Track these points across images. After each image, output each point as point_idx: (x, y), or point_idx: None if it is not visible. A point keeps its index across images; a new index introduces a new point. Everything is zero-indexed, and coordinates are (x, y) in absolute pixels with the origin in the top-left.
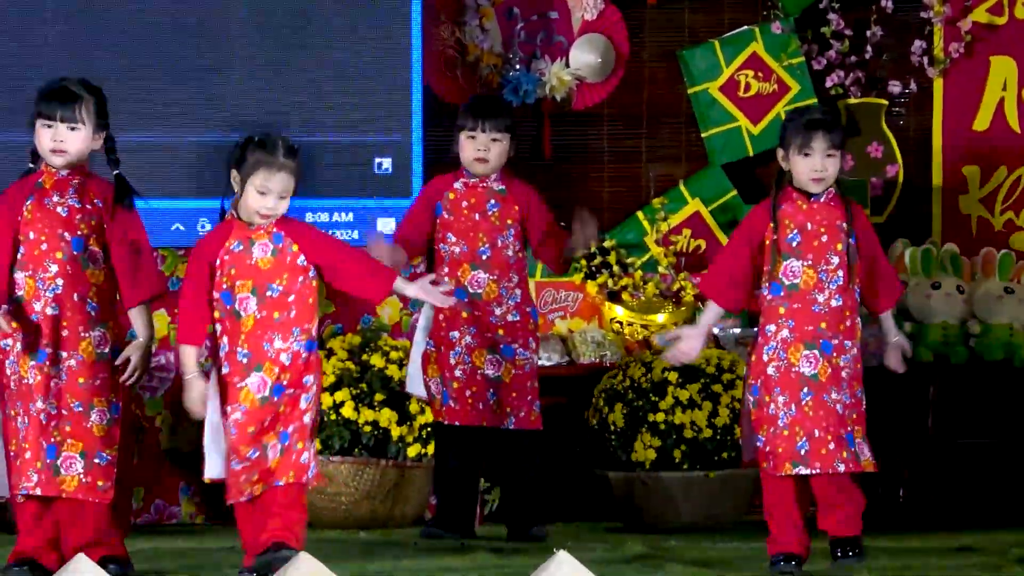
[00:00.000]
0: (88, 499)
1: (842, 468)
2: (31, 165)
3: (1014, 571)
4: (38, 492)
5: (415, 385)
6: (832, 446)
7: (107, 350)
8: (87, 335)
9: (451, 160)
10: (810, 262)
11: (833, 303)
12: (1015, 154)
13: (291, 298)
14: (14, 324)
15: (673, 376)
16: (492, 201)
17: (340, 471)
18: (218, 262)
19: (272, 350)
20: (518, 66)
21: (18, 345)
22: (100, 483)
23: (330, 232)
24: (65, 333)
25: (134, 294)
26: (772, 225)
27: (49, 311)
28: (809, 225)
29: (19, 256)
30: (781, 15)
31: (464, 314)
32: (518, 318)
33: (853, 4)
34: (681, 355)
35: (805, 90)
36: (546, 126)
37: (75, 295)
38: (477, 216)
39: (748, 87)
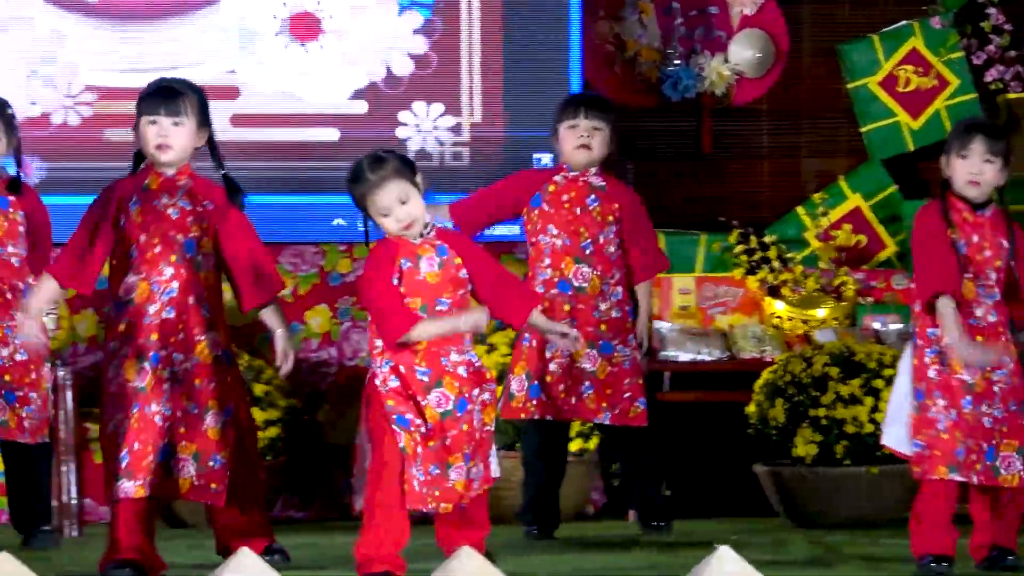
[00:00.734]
0: (201, 502)
1: (975, 480)
2: (132, 170)
3: None
4: (147, 493)
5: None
6: (973, 457)
7: (220, 352)
8: (202, 338)
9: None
10: (971, 275)
11: (990, 318)
12: None
13: (457, 311)
14: (121, 327)
15: (834, 371)
16: (592, 196)
17: (502, 466)
18: (395, 281)
19: (450, 364)
20: (677, 61)
21: (125, 349)
22: (213, 486)
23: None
24: (181, 336)
25: (256, 295)
26: (949, 229)
27: (165, 315)
28: (975, 238)
29: (131, 259)
30: (940, 10)
31: (566, 307)
32: (619, 315)
33: None
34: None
35: (965, 85)
36: (705, 121)
37: (190, 298)
38: (578, 211)
39: (907, 82)
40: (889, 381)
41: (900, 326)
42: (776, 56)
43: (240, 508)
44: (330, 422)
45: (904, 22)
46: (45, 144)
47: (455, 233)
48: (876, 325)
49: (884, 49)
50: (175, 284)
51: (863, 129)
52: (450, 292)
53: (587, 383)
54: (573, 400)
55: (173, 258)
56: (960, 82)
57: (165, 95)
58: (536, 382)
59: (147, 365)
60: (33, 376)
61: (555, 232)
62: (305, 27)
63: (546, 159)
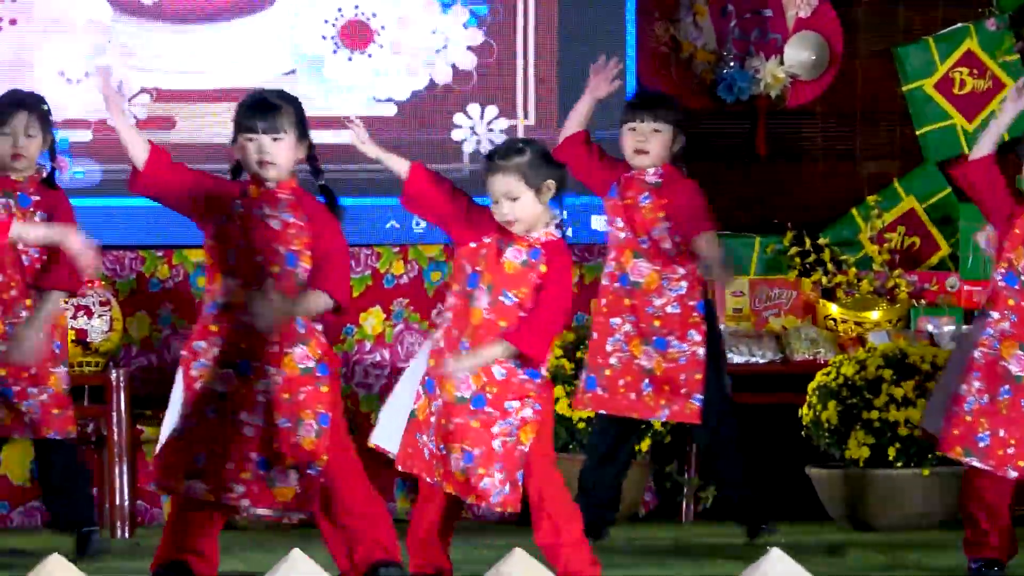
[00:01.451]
0: (302, 510)
1: (1013, 475)
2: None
3: None
4: (246, 504)
5: (386, 438)
6: (1011, 450)
7: (311, 364)
8: (290, 351)
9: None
10: None
11: None
12: None
13: (520, 314)
14: (213, 328)
15: (888, 373)
16: (645, 193)
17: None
18: (473, 244)
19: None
20: (732, 63)
21: (214, 350)
22: (311, 494)
23: None
24: (275, 348)
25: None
26: None
27: None
28: None
29: (230, 264)
30: (996, 12)
31: (626, 301)
32: (678, 310)
33: None
34: None
35: None
36: (760, 123)
37: None
38: (635, 206)
39: (963, 84)
40: None
41: (953, 328)
42: (831, 58)
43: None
44: None
45: (960, 24)
46: (99, 146)
47: (562, 250)
48: (930, 327)
49: (939, 51)
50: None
51: (918, 131)
52: (520, 292)
53: (646, 380)
54: (632, 396)
55: (275, 269)
56: None
57: (263, 110)
58: (593, 375)
59: (234, 372)
60: (34, 371)
61: (620, 225)
62: (357, 35)
63: None
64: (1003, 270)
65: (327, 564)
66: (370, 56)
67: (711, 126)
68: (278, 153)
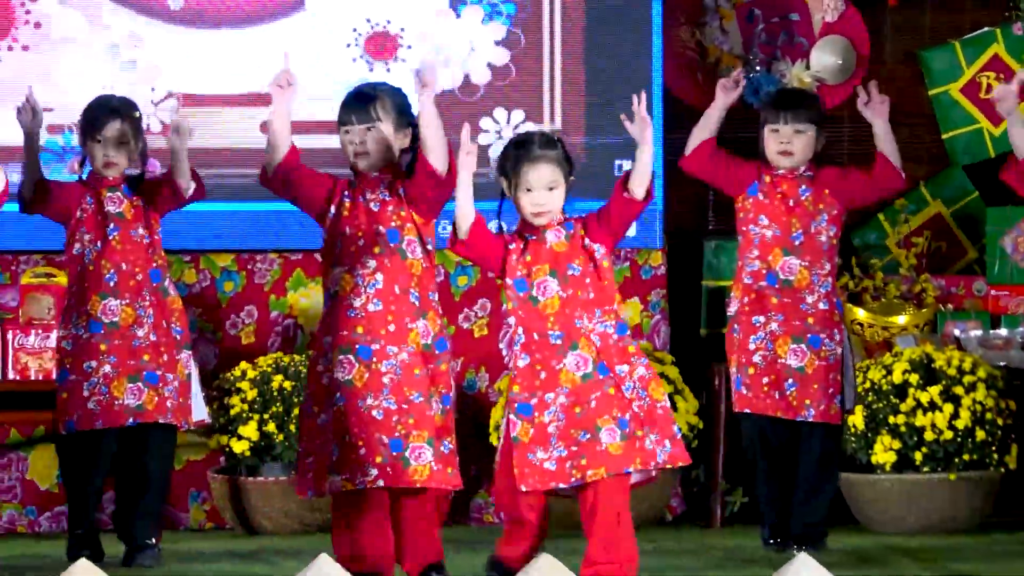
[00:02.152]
0: (442, 487)
1: None
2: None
3: None
4: (380, 484)
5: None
6: None
7: (430, 340)
8: (413, 326)
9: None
10: None
11: None
12: None
13: (587, 280)
14: (328, 318)
15: (914, 378)
16: (803, 187)
17: None
18: (512, 245)
19: (585, 328)
20: (758, 68)
21: (328, 338)
22: (449, 470)
23: None
24: (392, 328)
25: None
26: None
27: (371, 307)
28: None
29: (336, 252)
30: (1023, 16)
31: (773, 300)
32: (827, 307)
33: None
34: None
35: None
36: None
37: (396, 287)
38: (791, 202)
39: (989, 88)
40: (969, 388)
41: (980, 332)
42: (857, 62)
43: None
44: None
45: (986, 28)
46: None
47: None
48: (957, 332)
49: (966, 55)
50: (380, 276)
51: (944, 135)
52: (580, 260)
53: (791, 379)
54: (776, 395)
55: (377, 250)
56: None
57: (355, 102)
58: (739, 374)
59: (353, 358)
60: (165, 358)
61: (765, 223)
62: (382, 46)
63: (627, 165)
64: None
65: None
66: (398, 61)
67: (737, 131)
68: (372, 142)
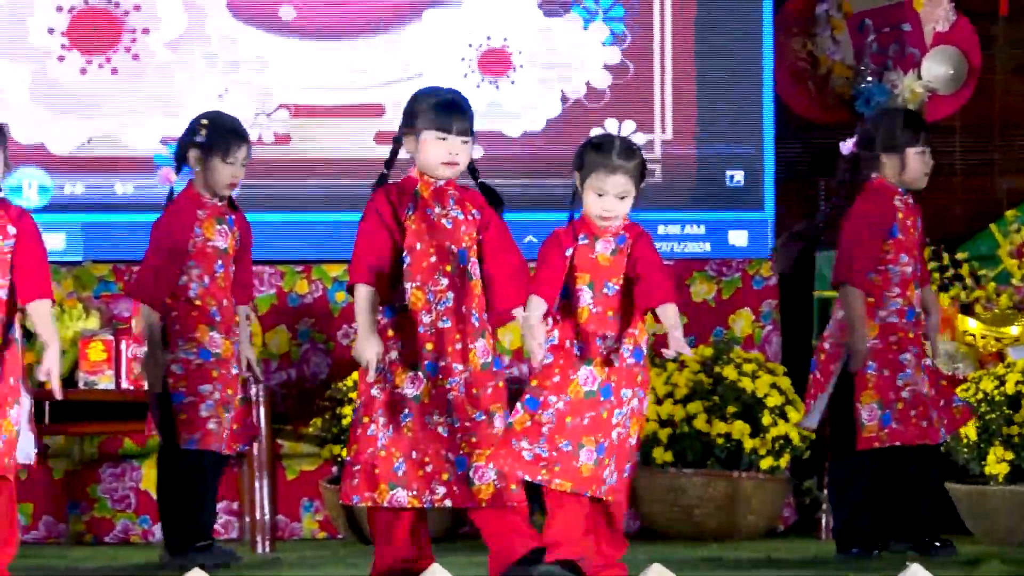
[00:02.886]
0: (507, 505)
1: None
2: (384, 172)
3: None
4: (448, 504)
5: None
6: None
7: (489, 360)
8: (473, 346)
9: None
10: None
11: None
12: None
13: (620, 300)
14: (391, 332)
15: None
16: (918, 217)
17: (692, 483)
18: (569, 251)
19: (603, 347)
20: (870, 78)
21: (393, 354)
22: (512, 487)
23: (683, 245)
24: (458, 346)
25: (509, 299)
26: None
27: (440, 324)
28: None
29: (405, 266)
30: None
31: (911, 334)
32: (923, 328)
33: None
34: None
35: None
36: None
37: (463, 307)
38: (916, 233)
39: None
40: None
41: None
42: (969, 72)
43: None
44: None
45: None
46: None
47: (642, 229)
48: None
49: None
50: (450, 294)
51: None
52: (619, 280)
53: (928, 406)
54: (924, 424)
55: (448, 268)
56: None
57: (460, 112)
58: (888, 410)
59: (420, 374)
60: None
61: (905, 260)
62: (496, 63)
63: (738, 176)
64: None
65: None
66: (509, 78)
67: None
68: (463, 155)
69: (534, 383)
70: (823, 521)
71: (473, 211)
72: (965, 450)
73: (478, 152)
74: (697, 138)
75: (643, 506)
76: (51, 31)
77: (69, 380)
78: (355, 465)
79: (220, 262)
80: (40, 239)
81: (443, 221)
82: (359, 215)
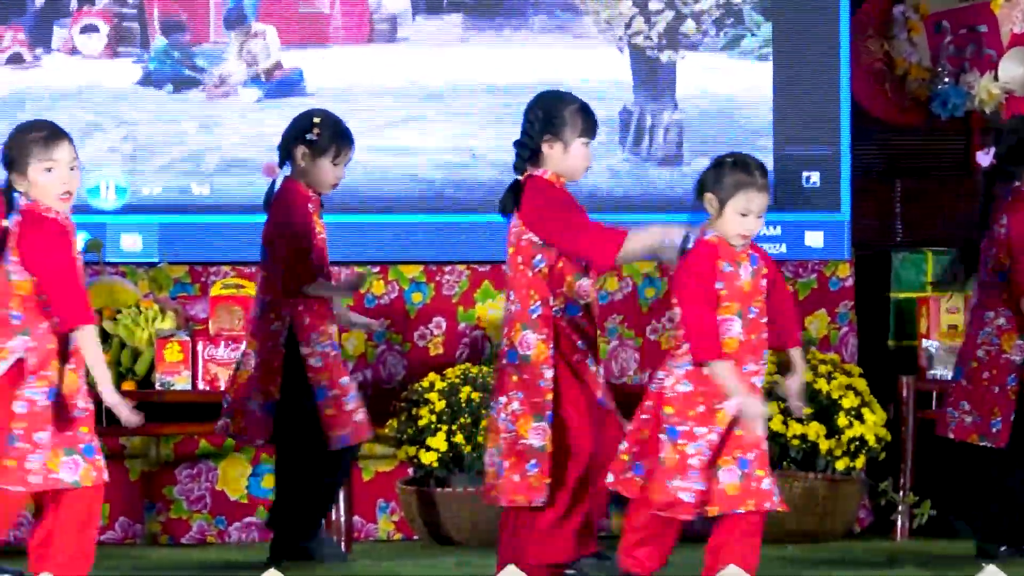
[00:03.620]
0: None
1: None
2: (518, 178)
3: None
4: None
5: None
6: None
7: None
8: None
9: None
10: None
11: None
12: None
13: (763, 320)
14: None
15: None
16: None
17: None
18: (718, 284)
19: (747, 373)
20: (946, 79)
21: (578, 356)
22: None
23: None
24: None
25: None
26: None
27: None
28: None
29: (582, 262)
30: None
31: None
32: None
33: None
34: None
35: None
36: (974, 140)
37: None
38: None
39: None
40: None
41: None
42: None
43: None
44: None
45: None
46: None
47: (759, 247)
48: None
49: None
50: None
51: None
52: (758, 301)
53: None
54: None
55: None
56: None
57: (595, 120)
58: None
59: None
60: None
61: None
62: None
63: (815, 177)
64: None
65: None
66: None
67: (925, 142)
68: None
69: (669, 410)
70: (899, 523)
71: None
72: None
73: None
74: (774, 139)
75: None
76: None
77: (145, 381)
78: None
79: (324, 256)
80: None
81: None
82: (435, 216)
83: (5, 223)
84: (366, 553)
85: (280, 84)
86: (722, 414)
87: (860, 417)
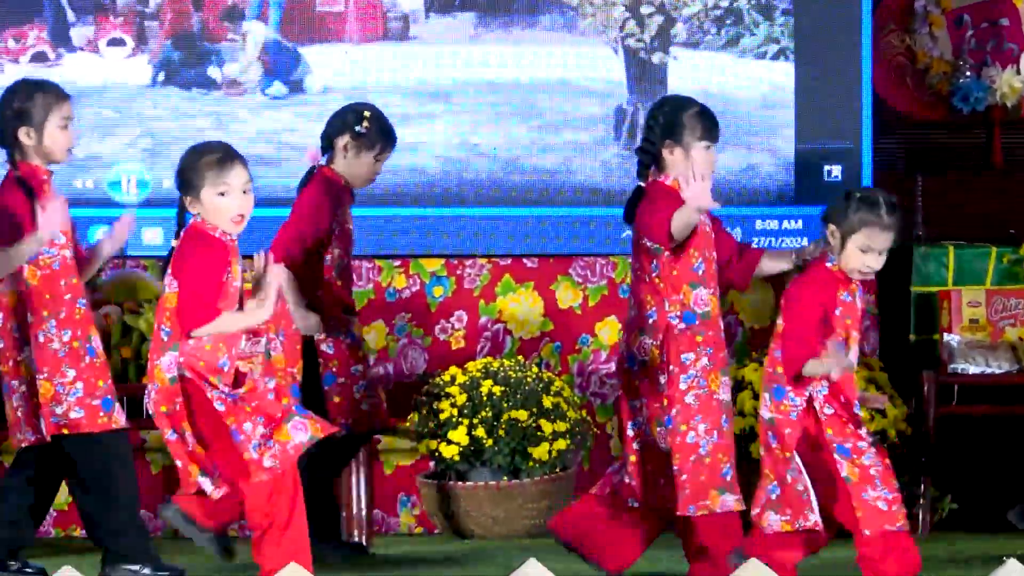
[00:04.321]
0: None
1: None
2: (640, 184)
3: None
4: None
5: None
6: None
7: None
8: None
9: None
10: None
11: None
12: None
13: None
14: (699, 338)
15: None
16: None
17: None
18: (838, 311)
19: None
20: (968, 74)
21: (704, 360)
22: None
23: (780, 240)
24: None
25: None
26: None
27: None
28: None
29: (702, 273)
30: None
31: None
32: None
33: None
34: None
35: None
36: (996, 134)
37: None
38: None
39: None
40: None
41: None
42: None
43: None
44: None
45: None
46: None
47: None
48: None
49: None
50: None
51: None
52: (858, 332)
53: None
54: None
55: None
56: None
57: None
58: None
59: (726, 380)
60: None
61: None
62: None
63: (836, 171)
64: None
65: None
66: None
67: (946, 137)
68: None
69: (830, 432)
70: (920, 517)
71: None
72: None
73: None
74: (796, 133)
75: None
76: None
77: None
78: (682, 475)
79: (350, 247)
80: None
81: (704, 227)
82: (456, 210)
83: (174, 243)
84: (387, 546)
85: (293, 82)
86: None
87: (881, 411)
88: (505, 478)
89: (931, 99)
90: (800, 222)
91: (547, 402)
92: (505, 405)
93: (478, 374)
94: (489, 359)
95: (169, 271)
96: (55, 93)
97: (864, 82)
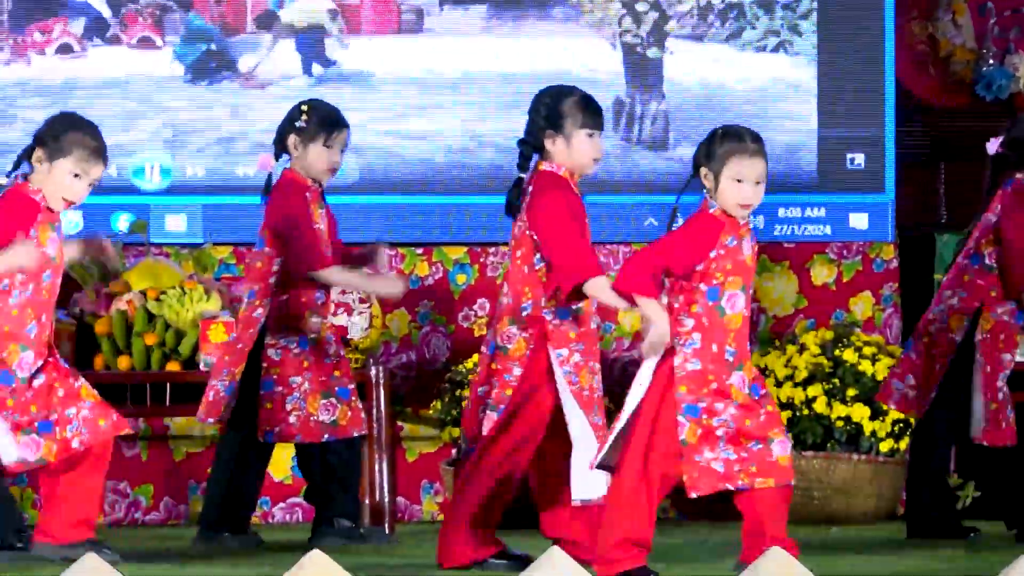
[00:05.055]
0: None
1: None
2: (521, 176)
3: None
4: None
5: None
6: None
7: None
8: None
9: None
10: None
11: None
12: None
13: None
14: (572, 334)
15: None
16: None
17: (812, 466)
18: (713, 254)
19: (750, 350)
20: (991, 61)
21: (576, 356)
22: None
23: (803, 228)
24: None
25: None
26: None
27: None
28: None
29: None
30: None
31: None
32: None
33: None
34: None
35: None
36: None
37: None
38: None
39: None
40: None
41: None
42: None
43: None
44: None
45: None
46: (360, 146)
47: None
48: None
49: None
50: None
51: None
52: (754, 279)
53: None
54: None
55: None
56: None
57: (601, 113)
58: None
59: (598, 377)
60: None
61: None
62: None
63: (859, 159)
64: None
65: None
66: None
67: (969, 125)
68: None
69: (683, 389)
70: None
71: None
72: None
73: None
74: (818, 120)
75: None
76: None
77: (190, 361)
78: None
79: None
80: None
81: None
82: (479, 198)
83: None
84: (410, 534)
85: (312, 73)
86: (733, 388)
87: None
88: None
89: (953, 87)
90: (823, 210)
91: None
92: None
93: None
94: None
95: None
96: (93, 148)
97: (887, 70)
